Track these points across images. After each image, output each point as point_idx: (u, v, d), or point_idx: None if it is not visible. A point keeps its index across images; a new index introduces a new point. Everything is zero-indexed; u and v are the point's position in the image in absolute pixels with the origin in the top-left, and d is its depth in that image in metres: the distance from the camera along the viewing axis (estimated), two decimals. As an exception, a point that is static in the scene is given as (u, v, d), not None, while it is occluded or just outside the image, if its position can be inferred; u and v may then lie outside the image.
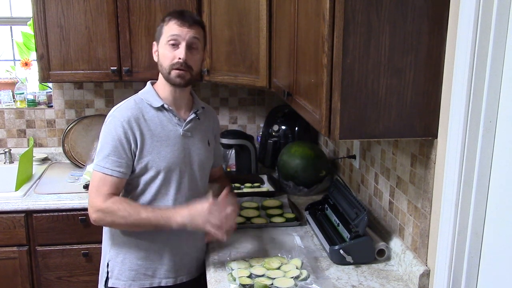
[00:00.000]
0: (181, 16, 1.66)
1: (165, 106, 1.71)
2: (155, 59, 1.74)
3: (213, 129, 1.90)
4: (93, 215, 1.65)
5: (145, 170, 1.68)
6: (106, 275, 1.78)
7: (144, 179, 1.69)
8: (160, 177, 1.70)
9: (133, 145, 1.65)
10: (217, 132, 1.96)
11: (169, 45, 1.65)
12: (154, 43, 1.74)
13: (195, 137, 1.78)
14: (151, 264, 1.75)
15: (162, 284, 1.77)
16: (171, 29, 1.65)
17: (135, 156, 1.67)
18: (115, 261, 1.76)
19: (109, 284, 1.78)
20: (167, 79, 1.70)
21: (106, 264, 1.78)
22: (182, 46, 1.64)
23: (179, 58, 1.64)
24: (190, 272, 1.83)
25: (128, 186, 1.72)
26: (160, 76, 1.74)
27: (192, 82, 1.74)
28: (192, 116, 1.76)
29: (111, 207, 1.61)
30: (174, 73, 1.66)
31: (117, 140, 1.64)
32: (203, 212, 1.59)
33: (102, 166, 1.64)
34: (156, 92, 1.74)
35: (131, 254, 1.75)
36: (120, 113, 1.67)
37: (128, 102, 1.72)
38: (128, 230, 1.72)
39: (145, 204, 1.69)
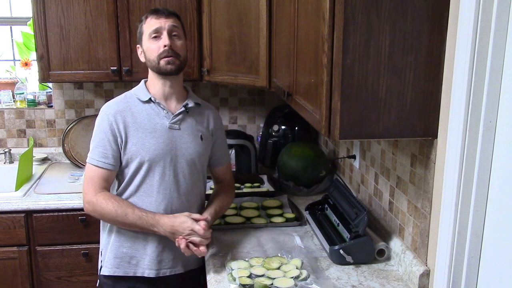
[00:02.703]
0: (156, 11, 1.76)
1: (153, 99, 1.77)
2: (142, 59, 1.81)
3: (208, 125, 1.88)
4: (85, 205, 1.75)
5: (130, 161, 1.74)
6: (100, 264, 1.85)
7: (129, 170, 1.75)
8: (144, 168, 1.74)
9: (118, 138, 1.73)
10: (218, 129, 1.93)
11: (152, 39, 1.73)
12: (138, 46, 1.82)
13: (184, 131, 1.80)
14: (136, 253, 1.79)
15: (145, 275, 1.80)
16: (150, 24, 1.73)
17: (121, 149, 1.74)
18: (106, 249, 1.83)
19: (101, 272, 1.84)
20: (158, 70, 1.75)
21: (100, 252, 1.86)
22: (164, 35, 1.73)
23: (165, 46, 1.72)
24: (175, 267, 1.84)
25: (117, 176, 1.78)
26: (150, 72, 1.80)
27: (182, 69, 1.79)
28: (181, 109, 1.79)
29: (100, 204, 1.69)
30: (163, 61, 1.73)
31: (103, 132, 1.73)
32: (183, 230, 1.68)
33: (91, 157, 1.74)
34: (146, 88, 1.81)
35: (117, 243, 1.79)
36: (108, 107, 1.77)
37: (119, 97, 1.82)
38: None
39: (133, 205, 1.72)
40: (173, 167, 1.77)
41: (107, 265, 1.81)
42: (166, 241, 1.78)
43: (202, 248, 1.69)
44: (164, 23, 1.72)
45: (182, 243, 1.68)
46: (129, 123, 1.73)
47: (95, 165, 1.72)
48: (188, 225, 1.67)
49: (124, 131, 1.72)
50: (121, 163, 1.75)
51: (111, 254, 1.80)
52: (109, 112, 1.74)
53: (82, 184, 1.77)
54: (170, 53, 1.71)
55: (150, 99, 1.76)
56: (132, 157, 1.73)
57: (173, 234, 1.69)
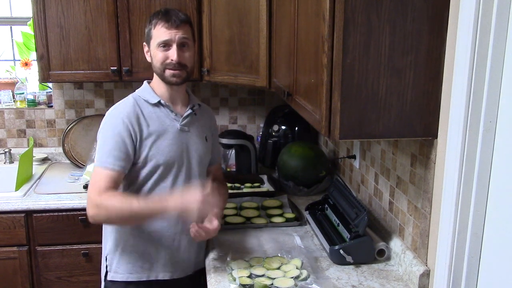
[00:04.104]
0: (168, 18, 1.68)
1: (162, 102, 1.75)
2: (148, 59, 1.78)
3: (210, 126, 1.92)
4: (90, 211, 1.61)
5: (144, 164, 1.71)
6: (105, 269, 1.81)
7: (143, 173, 1.72)
8: (159, 171, 1.72)
9: (133, 140, 1.68)
10: (215, 129, 1.98)
11: (160, 47, 1.69)
12: (145, 44, 1.78)
13: (193, 132, 1.80)
14: (149, 257, 1.77)
15: (159, 278, 1.79)
16: (160, 33, 1.68)
17: (135, 151, 1.69)
18: (113, 254, 1.79)
19: (108, 278, 1.80)
20: (162, 78, 1.74)
21: (105, 258, 1.81)
22: (173, 48, 1.68)
23: (172, 60, 1.68)
24: (188, 268, 1.84)
25: (127, 180, 1.73)
26: (155, 74, 1.78)
27: (189, 78, 1.77)
28: (189, 111, 1.79)
29: (105, 200, 1.58)
30: (168, 72, 1.71)
31: (118, 135, 1.66)
32: (195, 204, 1.51)
33: (104, 161, 1.63)
34: (152, 90, 1.78)
35: (128, 247, 1.76)
36: (119, 110, 1.71)
37: (127, 100, 1.76)
38: (124, 225, 1.75)
39: (139, 196, 1.69)
40: (185, 169, 1.76)
41: (119, 271, 1.77)
42: (179, 242, 1.78)
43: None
44: (174, 35, 1.66)
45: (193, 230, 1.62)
46: (143, 126, 1.70)
47: (109, 169, 1.62)
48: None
49: (139, 134, 1.68)
50: (133, 164, 1.70)
51: (121, 260, 1.77)
52: (122, 115, 1.68)
53: (88, 191, 1.65)
54: (176, 66, 1.69)
55: (159, 102, 1.74)
56: (147, 160, 1.70)
57: (182, 211, 1.54)
